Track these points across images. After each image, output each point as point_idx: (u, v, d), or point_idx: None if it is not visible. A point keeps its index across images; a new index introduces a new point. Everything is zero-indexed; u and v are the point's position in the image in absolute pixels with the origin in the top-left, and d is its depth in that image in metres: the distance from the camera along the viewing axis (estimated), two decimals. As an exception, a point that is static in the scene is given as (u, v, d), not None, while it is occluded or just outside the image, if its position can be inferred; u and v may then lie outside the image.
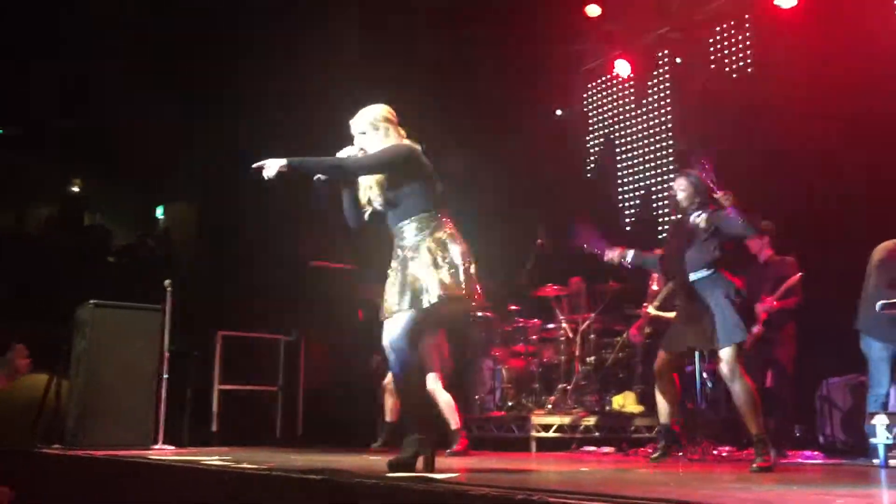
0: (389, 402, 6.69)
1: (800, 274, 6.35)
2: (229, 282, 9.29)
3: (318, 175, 3.92)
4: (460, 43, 9.71)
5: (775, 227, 6.71)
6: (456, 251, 3.77)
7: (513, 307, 8.31)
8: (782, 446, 6.16)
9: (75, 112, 10.36)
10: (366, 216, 4.02)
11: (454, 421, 6.22)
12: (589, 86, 10.76)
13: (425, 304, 3.69)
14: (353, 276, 8.57)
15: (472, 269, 3.83)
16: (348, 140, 4.13)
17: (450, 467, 4.31)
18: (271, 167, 3.81)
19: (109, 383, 6.47)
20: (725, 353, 4.57)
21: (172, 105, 9.89)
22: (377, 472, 3.61)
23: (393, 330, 3.76)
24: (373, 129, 4.00)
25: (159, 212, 11.90)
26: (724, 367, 4.58)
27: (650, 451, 5.81)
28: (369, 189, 3.96)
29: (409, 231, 3.86)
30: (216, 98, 9.86)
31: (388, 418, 6.69)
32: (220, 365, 8.17)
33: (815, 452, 6.10)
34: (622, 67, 9.86)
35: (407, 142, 4.03)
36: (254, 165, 3.87)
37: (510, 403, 7.79)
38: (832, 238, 7.11)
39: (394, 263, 3.88)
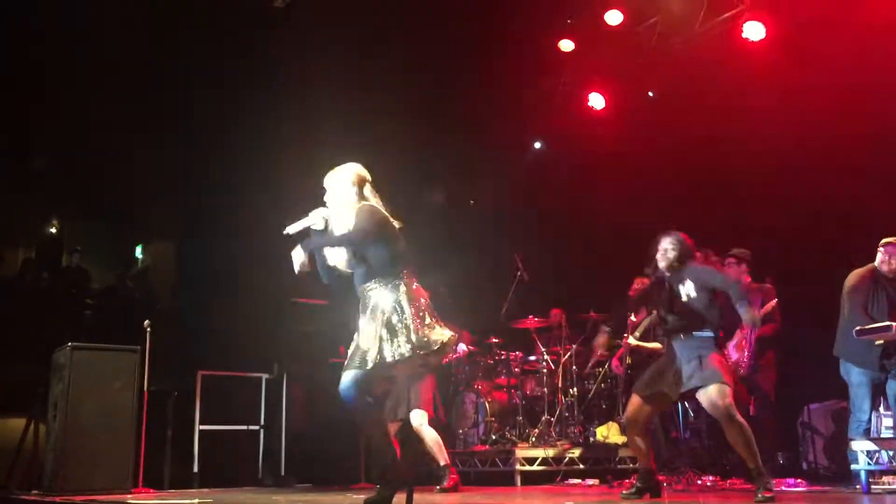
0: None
1: (775, 300, 6.41)
2: (209, 320, 9.21)
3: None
4: (438, 76, 9.81)
5: (751, 255, 6.79)
6: (409, 314, 3.92)
7: (494, 340, 8.31)
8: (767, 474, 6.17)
9: (52, 153, 10.32)
10: (336, 273, 4.19)
11: (442, 458, 6.17)
12: (565, 118, 10.86)
13: (370, 365, 3.86)
14: (334, 313, 8.53)
15: (431, 321, 3.99)
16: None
17: (431, 503, 4.28)
18: (297, 261, 4.03)
19: (88, 426, 6.38)
20: (717, 392, 4.52)
21: (149, 145, 9.88)
22: (361, 511, 3.58)
23: (343, 380, 3.92)
24: (345, 190, 4.16)
25: (138, 251, 11.83)
26: (716, 407, 4.53)
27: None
28: (338, 252, 4.13)
29: (371, 293, 4.02)
30: (193, 137, 9.86)
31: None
32: (200, 405, 8.08)
33: (799, 480, 6.11)
34: (596, 101, 9.99)
35: (375, 202, 4.18)
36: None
37: (494, 437, 7.75)
38: (808, 265, 7.20)
39: (360, 320, 4.03)
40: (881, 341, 5.35)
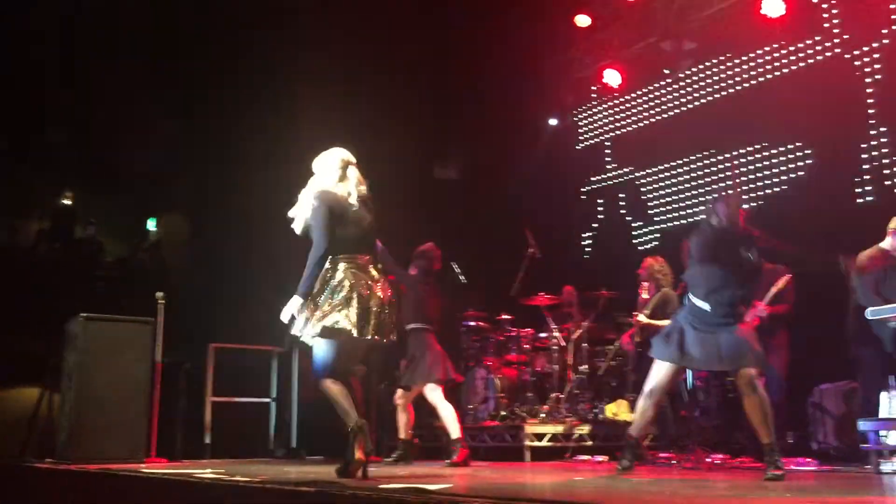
0: (402, 419, 6.65)
1: (788, 276, 6.37)
2: (221, 293, 9.26)
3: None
4: (453, 52, 9.76)
5: (766, 235, 6.75)
6: (354, 289, 4.21)
7: (505, 316, 8.31)
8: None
9: (66, 124, 10.34)
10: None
11: (455, 430, 6.21)
12: (579, 95, 10.80)
13: (318, 332, 4.25)
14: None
15: (377, 309, 4.27)
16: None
17: (443, 478, 4.31)
18: (289, 313, 4.33)
19: (101, 397, 6.44)
20: (752, 369, 4.56)
21: (164, 117, 9.89)
22: (370, 483, 3.61)
23: (314, 356, 4.37)
24: (329, 171, 4.47)
25: (151, 224, 11.86)
26: (746, 380, 4.54)
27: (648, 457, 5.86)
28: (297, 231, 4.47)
29: (327, 265, 4.32)
30: (208, 109, 9.86)
31: (401, 435, 6.65)
32: (212, 377, 8.14)
33: (809, 459, 6.11)
34: (612, 77, 9.92)
35: (350, 184, 4.45)
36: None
37: (503, 413, 7.78)
38: (821, 244, 7.15)
39: (317, 293, 4.33)
40: (894, 322, 5.32)
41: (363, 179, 4.56)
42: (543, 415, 7.56)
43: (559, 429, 7.30)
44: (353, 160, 4.53)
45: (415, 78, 9.83)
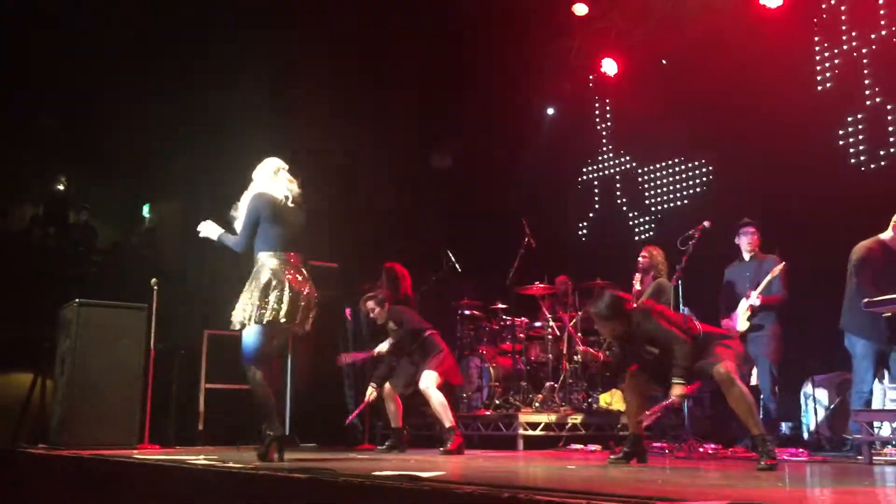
0: (392, 408, 6.67)
1: (783, 264, 6.37)
2: (216, 279, 9.23)
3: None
4: (450, 40, 9.72)
5: (759, 225, 6.78)
6: (283, 284, 4.70)
7: (500, 305, 8.32)
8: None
9: (60, 108, 10.28)
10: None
11: (448, 419, 6.24)
12: (577, 84, 10.77)
13: (247, 321, 4.70)
14: (340, 274, 8.54)
15: (301, 301, 4.79)
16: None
17: (436, 465, 4.31)
18: (206, 231, 5.04)
19: (94, 382, 6.43)
20: (718, 366, 4.57)
21: (159, 102, 9.84)
22: (363, 470, 3.61)
23: (244, 341, 4.79)
24: (264, 178, 4.96)
25: (145, 210, 11.82)
26: (718, 372, 4.56)
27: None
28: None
29: (257, 260, 4.83)
30: (202, 96, 9.81)
31: (392, 424, 6.67)
32: (206, 363, 8.13)
33: (801, 450, 6.13)
34: (609, 66, 9.89)
35: (280, 187, 4.91)
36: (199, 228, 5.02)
37: (497, 402, 7.79)
38: (814, 237, 7.16)
39: (248, 285, 4.85)
40: (889, 313, 5.33)
41: (293, 179, 5.01)
42: (537, 404, 7.58)
43: (553, 418, 7.31)
44: (286, 166, 5.00)
45: (411, 67, 9.79)
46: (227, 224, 5.16)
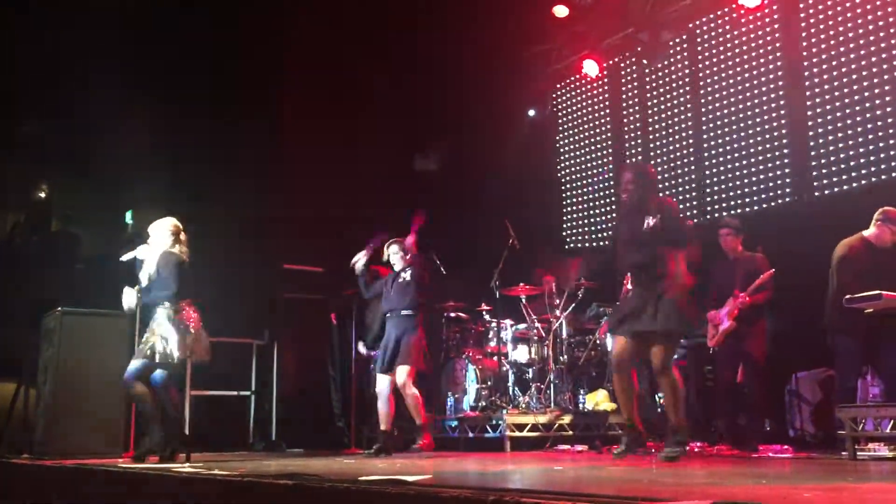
0: (383, 409, 6.64)
1: (772, 271, 6.42)
2: (200, 287, 9.20)
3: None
4: (429, 41, 9.73)
5: (741, 224, 6.81)
6: (176, 327, 5.62)
7: (485, 307, 8.32)
8: (753, 440, 6.23)
9: (41, 116, 10.21)
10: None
11: (418, 417, 6.32)
12: (557, 86, 10.81)
13: (146, 359, 5.62)
14: (325, 279, 8.53)
15: (194, 334, 5.70)
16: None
17: (423, 469, 4.31)
18: (126, 299, 5.74)
19: (78, 391, 6.39)
20: (656, 349, 4.87)
21: (141, 110, 9.79)
22: (349, 476, 3.60)
23: (132, 364, 5.62)
24: (163, 236, 5.76)
25: (128, 216, 11.74)
26: (655, 359, 4.77)
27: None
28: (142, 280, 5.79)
29: (157, 310, 5.70)
30: (186, 102, 9.76)
31: (382, 427, 6.64)
32: (191, 370, 8.07)
33: (785, 446, 6.17)
34: (590, 67, 9.93)
35: (180, 249, 5.80)
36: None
37: (483, 403, 7.80)
38: (797, 233, 7.22)
39: (151, 325, 5.71)
40: (871, 310, 5.36)
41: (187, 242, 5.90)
42: (524, 405, 7.59)
43: (540, 419, 7.32)
44: (181, 227, 5.87)
45: (393, 71, 9.78)
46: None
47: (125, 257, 5.80)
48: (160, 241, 5.74)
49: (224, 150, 9.70)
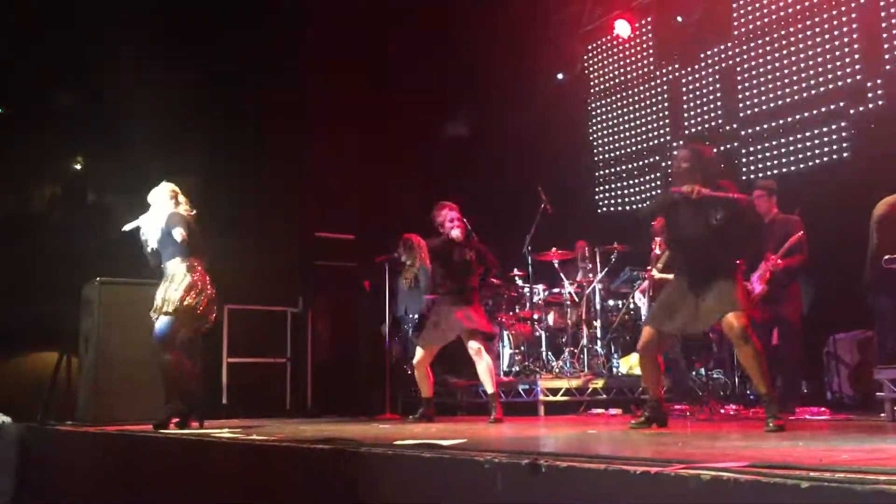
0: (422, 377, 6.54)
1: (802, 233, 6.31)
2: (235, 255, 9.31)
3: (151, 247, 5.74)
4: (460, 9, 9.63)
5: (776, 185, 6.70)
6: (195, 283, 5.58)
7: (517, 272, 8.31)
8: (790, 403, 6.18)
9: (77, 89, 10.30)
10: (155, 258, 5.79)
11: (490, 384, 6.11)
12: (588, 48, 10.66)
13: (170, 309, 5.50)
14: (358, 247, 8.57)
15: (209, 294, 5.68)
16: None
17: (458, 433, 4.34)
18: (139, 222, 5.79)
19: (118, 359, 6.52)
20: (732, 317, 4.47)
21: (175, 81, 9.83)
22: (385, 440, 3.64)
23: (156, 326, 5.54)
24: (163, 201, 5.79)
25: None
26: (733, 331, 4.50)
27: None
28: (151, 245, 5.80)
29: (168, 266, 5.66)
30: (219, 72, 9.79)
31: (423, 394, 6.59)
32: (227, 338, 8.20)
33: (823, 409, 6.11)
34: (622, 28, 9.77)
35: (182, 209, 5.80)
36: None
37: (517, 368, 7.82)
38: (836, 195, 7.09)
39: (163, 283, 5.64)
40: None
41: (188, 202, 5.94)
42: (557, 370, 7.60)
43: (573, 383, 7.33)
44: (178, 190, 5.89)
45: (422, 37, 9.71)
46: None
47: (127, 227, 5.83)
48: (161, 206, 5.80)
49: (256, 120, 9.74)
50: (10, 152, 10.31)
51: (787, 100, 8.29)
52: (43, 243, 9.47)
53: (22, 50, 9.45)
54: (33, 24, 9.35)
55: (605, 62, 10.51)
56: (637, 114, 10.10)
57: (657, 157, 9.74)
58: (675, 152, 5.07)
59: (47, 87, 10.17)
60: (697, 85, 9.27)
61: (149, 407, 6.38)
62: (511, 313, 8.28)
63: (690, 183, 4.66)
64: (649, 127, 9.91)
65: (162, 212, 5.76)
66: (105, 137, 10.96)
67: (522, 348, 8.04)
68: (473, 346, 6.10)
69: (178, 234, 5.54)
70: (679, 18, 9.35)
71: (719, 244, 4.64)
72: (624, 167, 10.18)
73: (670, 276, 6.67)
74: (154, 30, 9.61)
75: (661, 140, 9.74)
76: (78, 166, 11.89)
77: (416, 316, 7.99)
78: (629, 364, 7.74)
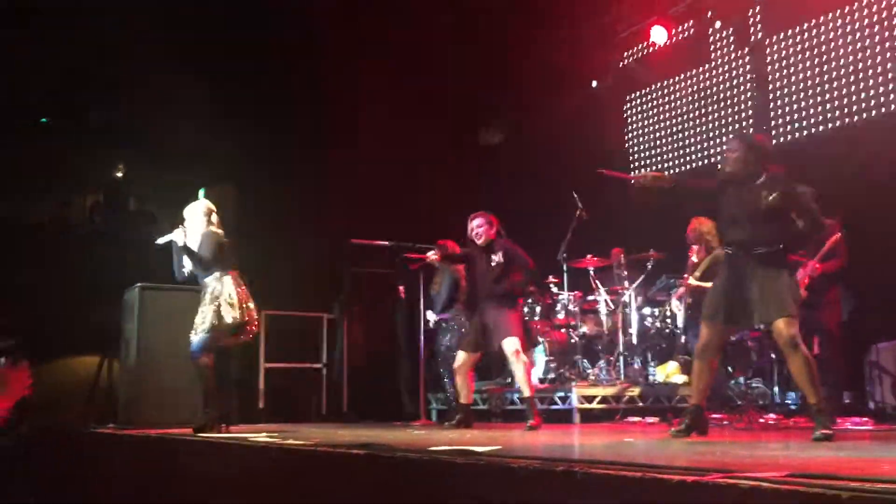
0: (462, 386, 6.52)
1: (838, 234, 6.18)
2: (270, 261, 9.40)
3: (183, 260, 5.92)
4: (494, 15, 9.64)
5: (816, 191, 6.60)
6: (234, 296, 5.73)
7: (553, 279, 8.28)
8: (831, 413, 6.07)
9: (115, 98, 10.49)
10: (186, 273, 5.98)
11: (526, 388, 6.08)
12: (625, 55, 10.60)
13: (206, 330, 5.66)
14: (392, 253, 8.60)
15: (250, 305, 5.84)
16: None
17: (493, 440, 4.34)
18: (172, 237, 5.89)
19: (158, 363, 6.62)
20: (782, 324, 4.37)
21: (211, 88, 9.97)
22: (419, 445, 3.65)
23: (194, 338, 5.69)
24: (197, 219, 5.93)
25: (200, 194, 12.00)
26: (782, 338, 4.42)
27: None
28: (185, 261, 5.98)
29: (207, 282, 5.78)
30: (254, 79, 9.91)
31: (461, 400, 6.57)
32: (264, 343, 8.29)
33: (865, 419, 6.00)
34: (658, 34, 9.70)
35: (215, 228, 5.94)
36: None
37: (552, 376, 7.79)
38: (879, 200, 6.96)
39: (203, 299, 5.77)
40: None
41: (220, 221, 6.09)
42: (593, 377, 7.55)
43: (609, 391, 7.28)
44: (214, 208, 6.05)
45: (456, 42, 9.73)
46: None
47: (161, 240, 5.92)
48: (195, 223, 5.93)
49: (293, 127, 9.84)
50: (54, 161, 10.53)
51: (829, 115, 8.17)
52: (85, 249, 9.65)
53: (63, 61, 9.65)
54: (75, 35, 9.53)
55: (642, 69, 10.43)
56: (673, 120, 10.02)
57: (694, 164, 9.65)
58: (726, 144, 4.94)
59: (88, 97, 10.37)
60: (735, 92, 9.17)
61: (188, 411, 6.49)
62: (546, 320, 8.26)
63: (742, 171, 4.59)
64: (685, 134, 9.82)
65: (196, 230, 5.90)
66: (145, 147, 11.15)
67: (558, 356, 8.00)
68: (509, 348, 6.08)
69: (209, 252, 5.77)
70: (717, 24, 9.27)
71: (772, 227, 4.52)
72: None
73: (707, 285, 6.63)
74: (189, 41, 9.75)
75: (698, 146, 9.65)
76: (119, 174, 12.09)
77: (441, 320, 8.02)
78: (666, 372, 7.67)
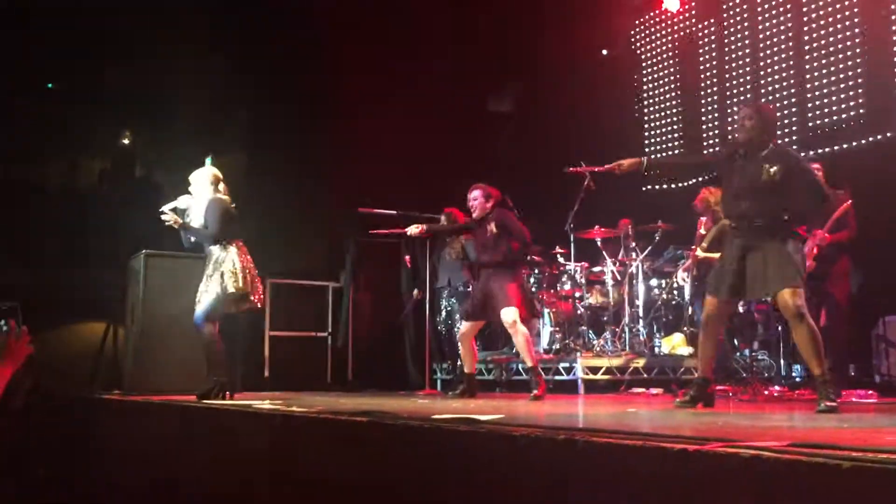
0: (465, 353, 6.50)
1: (849, 203, 6.11)
2: (276, 229, 9.40)
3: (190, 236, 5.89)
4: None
5: (822, 162, 6.54)
6: (238, 265, 5.70)
7: (559, 250, 8.25)
8: (836, 386, 6.05)
9: (124, 64, 10.44)
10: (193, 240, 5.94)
11: (528, 358, 6.07)
12: (636, 23, 10.47)
13: (217, 293, 5.65)
14: (398, 222, 8.58)
15: (255, 275, 5.82)
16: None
17: (496, 409, 4.34)
18: (178, 203, 5.85)
19: (163, 330, 6.64)
20: (787, 294, 4.32)
21: (221, 56, 9.91)
22: (423, 413, 3.65)
23: (199, 307, 5.69)
24: (204, 185, 5.87)
25: (207, 162, 11.98)
26: (787, 309, 4.37)
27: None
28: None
29: (212, 251, 5.77)
30: (263, 48, 9.84)
31: (466, 369, 6.56)
32: (269, 312, 8.30)
33: (870, 392, 5.98)
34: (671, 2, 9.57)
35: (222, 195, 5.89)
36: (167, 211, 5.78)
37: (557, 346, 7.78)
38: (888, 170, 6.90)
39: (207, 268, 5.77)
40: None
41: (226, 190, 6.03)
42: (598, 348, 7.55)
43: (614, 362, 7.28)
44: (221, 175, 6.00)
45: (465, 10, 9.62)
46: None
47: (167, 207, 5.84)
48: (202, 189, 5.88)
49: (300, 95, 9.78)
50: (62, 127, 10.51)
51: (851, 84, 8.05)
52: (92, 216, 9.66)
53: (71, 26, 9.59)
54: (82, 2, 9.47)
55: (654, 38, 10.31)
56: (685, 90, 9.91)
57: (705, 134, 9.57)
58: (738, 111, 4.85)
59: (97, 63, 10.32)
60: (748, 60, 9.05)
61: (192, 378, 6.51)
62: (552, 291, 8.24)
63: (757, 139, 4.52)
64: (698, 104, 9.72)
65: (202, 196, 5.85)
66: (153, 114, 11.12)
67: (563, 326, 7.99)
68: (507, 318, 6.06)
69: (215, 219, 5.72)
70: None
71: (774, 201, 4.47)
72: (670, 144, 10.02)
73: (715, 256, 6.59)
74: (199, 9, 9.68)
75: (710, 117, 9.55)
76: (126, 141, 12.08)
77: (461, 286, 8.01)
78: (671, 344, 7.66)
